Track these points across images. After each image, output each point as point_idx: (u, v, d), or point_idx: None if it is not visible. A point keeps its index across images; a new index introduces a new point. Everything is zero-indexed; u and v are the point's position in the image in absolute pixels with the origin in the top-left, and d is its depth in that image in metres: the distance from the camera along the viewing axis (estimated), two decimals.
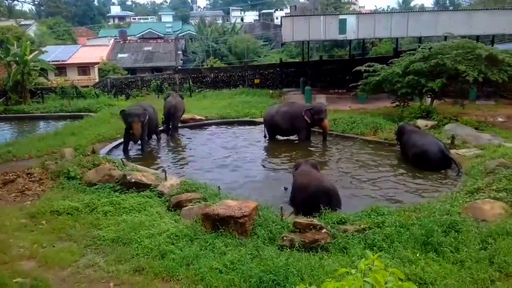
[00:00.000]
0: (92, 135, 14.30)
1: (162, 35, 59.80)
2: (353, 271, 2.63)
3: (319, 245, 6.32)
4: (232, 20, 76.18)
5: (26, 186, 9.63)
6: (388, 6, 73.03)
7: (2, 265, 6.25)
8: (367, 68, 17.21)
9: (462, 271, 5.52)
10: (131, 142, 13.41)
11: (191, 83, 27.72)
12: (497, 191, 7.82)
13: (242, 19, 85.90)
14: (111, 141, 14.22)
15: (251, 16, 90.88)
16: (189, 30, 67.31)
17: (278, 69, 29.10)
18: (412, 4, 69.13)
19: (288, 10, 72.02)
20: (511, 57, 14.90)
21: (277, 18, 72.67)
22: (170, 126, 15.81)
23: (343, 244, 6.35)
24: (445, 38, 20.19)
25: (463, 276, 5.40)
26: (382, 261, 2.71)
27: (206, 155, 13.14)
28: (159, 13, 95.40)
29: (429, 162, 10.62)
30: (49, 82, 27.79)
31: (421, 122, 14.39)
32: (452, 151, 11.19)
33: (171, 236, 6.79)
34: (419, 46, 17.70)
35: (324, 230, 6.55)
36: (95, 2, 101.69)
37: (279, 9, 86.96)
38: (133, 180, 9.14)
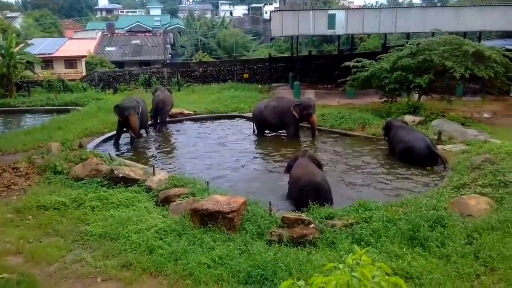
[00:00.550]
0: (79, 129, 14.15)
1: (151, 28, 59.29)
2: (340, 265, 2.65)
3: (307, 240, 6.36)
4: (221, 14, 75.91)
5: (12, 181, 9.51)
6: (376, 2, 73.09)
7: None
8: (356, 63, 17.27)
9: (448, 266, 5.60)
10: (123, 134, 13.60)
11: (179, 77, 27.57)
12: (483, 187, 7.94)
13: (231, 13, 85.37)
14: (98, 135, 14.10)
15: (240, 10, 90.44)
16: (177, 23, 66.77)
17: (267, 63, 29.07)
18: (400, 0, 69.38)
19: (277, 5, 71.72)
20: (497, 54, 15.07)
21: (266, 13, 72.39)
22: (158, 121, 15.75)
23: (331, 239, 6.40)
24: (433, 34, 20.37)
25: (449, 270, 5.49)
26: (369, 256, 2.73)
27: (194, 149, 13.11)
28: (147, 6, 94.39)
29: (416, 158, 10.70)
30: (35, 75, 27.44)
31: (408, 118, 14.50)
32: (439, 147, 11.30)
33: (159, 231, 6.77)
34: (407, 42, 17.82)
35: (312, 225, 6.59)
36: None
37: (268, 4, 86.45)
38: (120, 175, 9.09)
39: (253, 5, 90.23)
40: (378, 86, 17.01)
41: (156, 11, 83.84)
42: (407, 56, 15.96)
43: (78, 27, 65.22)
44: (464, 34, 20.84)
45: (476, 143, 11.47)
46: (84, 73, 32.99)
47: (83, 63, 36.57)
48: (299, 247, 6.26)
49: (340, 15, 21.43)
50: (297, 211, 7.35)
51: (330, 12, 22.12)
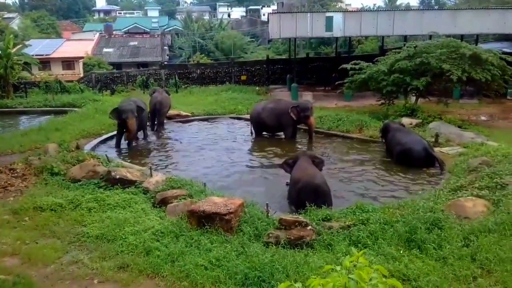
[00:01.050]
0: (77, 131, 14.11)
1: (148, 30, 59.35)
2: (338, 267, 2.66)
3: (304, 242, 6.36)
4: (219, 16, 75.88)
5: (8, 182, 9.46)
6: (374, 4, 73.49)
7: None
8: (353, 66, 17.31)
9: (445, 268, 5.61)
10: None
11: (177, 79, 27.57)
12: (480, 189, 7.95)
13: (229, 15, 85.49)
14: (95, 136, 14.06)
15: (238, 12, 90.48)
16: (175, 25, 66.82)
17: (264, 66, 29.11)
18: (398, 2, 69.54)
19: (275, 7, 71.93)
20: (494, 57, 15.14)
21: (264, 15, 72.54)
22: (156, 122, 15.73)
23: (328, 241, 6.40)
24: (430, 37, 20.44)
25: (446, 272, 5.49)
26: (366, 258, 2.74)
27: (191, 151, 13.11)
28: (145, 7, 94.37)
29: (413, 160, 10.72)
30: (33, 77, 27.34)
31: (405, 120, 14.53)
32: (436, 149, 11.32)
33: (156, 233, 6.75)
34: (404, 45, 17.87)
35: (309, 227, 6.59)
36: None
37: (266, 6, 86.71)
38: (117, 177, 9.07)
39: (251, 7, 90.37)
40: (376, 89, 17.06)
41: (154, 13, 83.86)
42: (405, 58, 16.01)
43: (75, 28, 65.09)
44: (461, 37, 20.94)
45: (473, 145, 11.51)
46: (82, 75, 32.95)
47: (81, 64, 36.53)
48: (296, 249, 6.26)
49: (337, 18, 21.50)
50: (295, 213, 7.35)
51: (328, 14, 22.20)
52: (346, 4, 68.68)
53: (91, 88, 26.50)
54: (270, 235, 6.52)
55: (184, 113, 17.78)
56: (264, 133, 14.78)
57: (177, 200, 7.95)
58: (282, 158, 11.88)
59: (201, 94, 24.39)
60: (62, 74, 32.75)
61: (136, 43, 44.67)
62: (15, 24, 50.24)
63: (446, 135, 12.85)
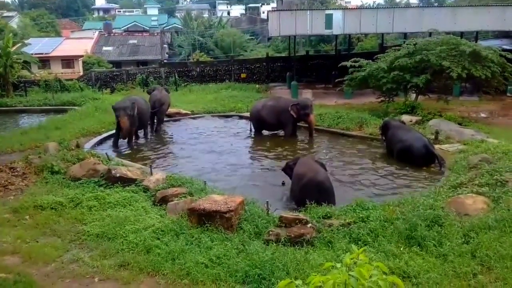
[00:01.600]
0: (76, 129, 14.10)
1: (148, 28, 59.12)
2: (338, 265, 2.66)
3: (304, 240, 6.37)
4: (219, 14, 75.69)
5: (9, 181, 9.46)
6: (374, 2, 73.12)
7: None
8: (353, 63, 17.30)
9: (445, 265, 5.62)
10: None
11: (177, 77, 27.55)
12: (480, 186, 7.96)
13: (228, 13, 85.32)
14: (95, 135, 14.05)
15: (237, 10, 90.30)
16: (175, 23, 66.64)
17: (264, 63, 29.09)
18: (397, 0, 69.47)
19: (274, 5, 71.66)
20: (494, 54, 15.13)
21: (263, 13, 72.33)
22: (155, 120, 15.71)
23: (328, 239, 6.40)
24: (430, 34, 20.41)
25: (446, 269, 5.50)
26: (366, 255, 2.74)
27: (191, 149, 13.10)
28: (145, 6, 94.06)
29: (413, 157, 10.73)
30: (32, 75, 27.31)
31: (405, 118, 14.51)
32: (436, 146, 11.32)
33: (157, 231, 6.76)
34: (404, 42, 17.86)
35: (309, 225, 6.60)
36: None
37: (265, 4, 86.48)
38: (118, 175, 9.07)
39: (251, 5, 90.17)
40: (376, 86, 17.05)
41: (153, 11, 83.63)
42: (404, 56, 15.99)
43: (75, 26, 64.95)
44: (461, 34, 20.93)
45: (473, 142, 11.50)
46: (81, 73, 32.88)
47: (80, 62, 36.46)
48: (296, 246, 6.26)
49: (337, 15, 21.48)
50: (296, 210, 7.36)
51: (328, 12, 22.20)
52: (345, 2, 68.61)
53: (90, 87, 26.49)
54: (271, 233, 6.53)
55: (183, 111, 17.76)
56: (264, 131, 14.77)
57: (178, 198, 7.95)
58: (282, 156, 11.94)
59: (201, 92, 24.38)
60: (62, 73, 32.68)
61: (135, 41, 44.57)
62: (14, 23, 50.15)
63: (446, 132, 12.85)
